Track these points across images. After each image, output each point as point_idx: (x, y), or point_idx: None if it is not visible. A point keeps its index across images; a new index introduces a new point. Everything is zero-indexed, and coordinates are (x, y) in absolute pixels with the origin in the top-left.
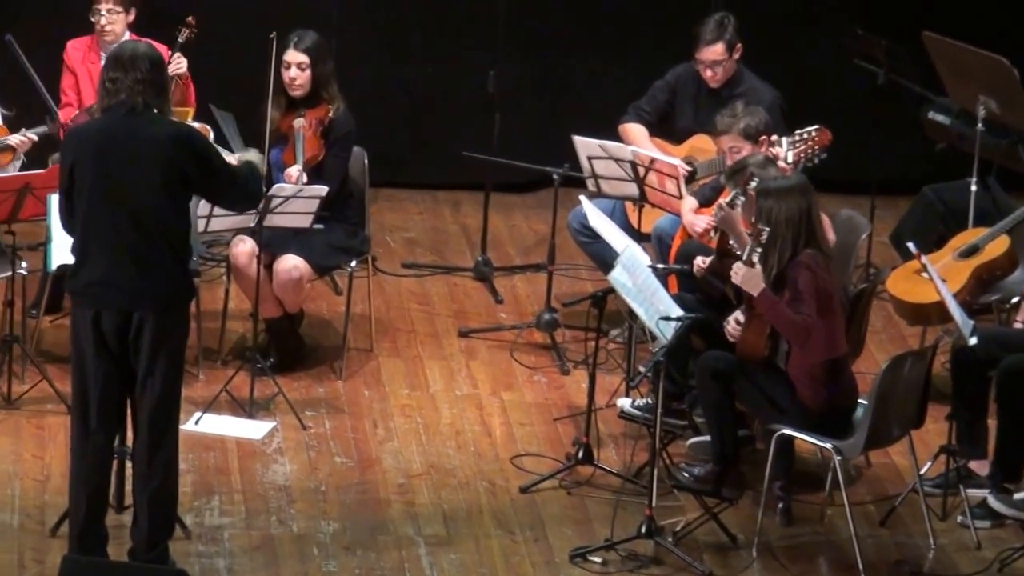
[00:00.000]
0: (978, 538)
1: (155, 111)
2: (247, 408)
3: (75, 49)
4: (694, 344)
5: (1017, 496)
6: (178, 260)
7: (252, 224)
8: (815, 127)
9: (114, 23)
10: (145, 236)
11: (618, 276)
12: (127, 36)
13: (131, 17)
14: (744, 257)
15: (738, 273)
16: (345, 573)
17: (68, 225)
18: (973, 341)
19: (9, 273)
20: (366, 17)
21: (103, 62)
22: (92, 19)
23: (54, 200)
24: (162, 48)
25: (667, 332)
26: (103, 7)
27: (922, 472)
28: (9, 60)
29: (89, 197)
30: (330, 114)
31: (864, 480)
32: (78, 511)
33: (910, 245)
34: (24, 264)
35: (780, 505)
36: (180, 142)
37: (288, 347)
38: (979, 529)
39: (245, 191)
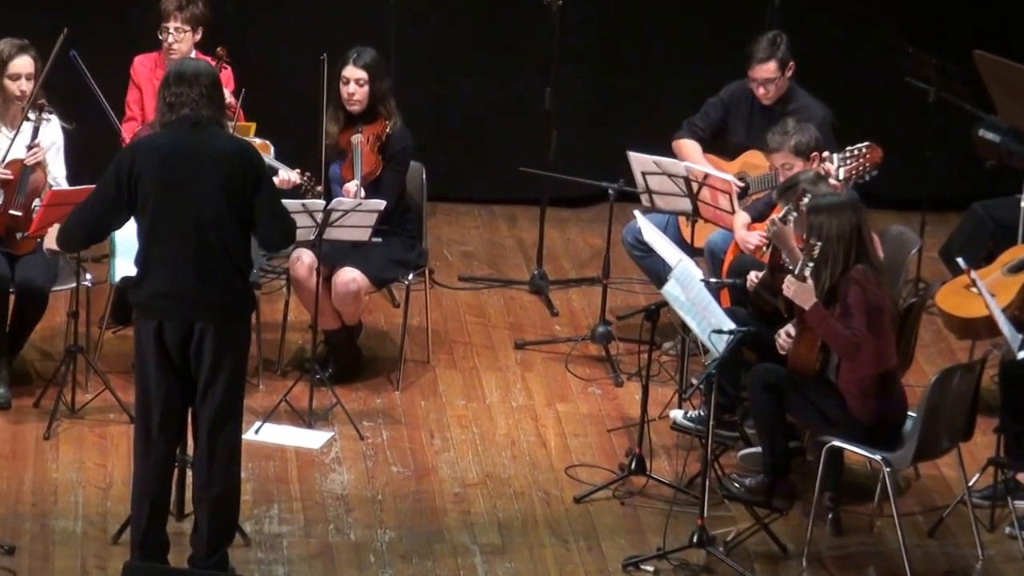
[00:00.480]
0: None
1: (219, 128)
2: (306, 418)
3: (142, 65)
4: (746, 357)
5: None
6: (239, 272)
7: (312, 237)
8: (866, 144)
9: (181, 42)
10: (208, 248)
11: (671, 290)
12: (193, 55)
13: (198, 36)
14: (796, 272)
15: (790, 287)
16: None
17: (85, 230)
18: (1022, 355)
19: (73, 284)
20: (424, 33)
21: None
22: (160, 37)
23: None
24: (227, 72)
25: (719, 345)
26: (171, 26)
27: (970, 484)
28: (73, 76)
29: (153, 210)
30: (387, 129)
31: (913, 491)
32: (140, 519)
33: (960, 260)
34: (88, 276)
35: (830, 516)
36: (244, 157)
37: (346, 358)
38: None
39: (281, 229)
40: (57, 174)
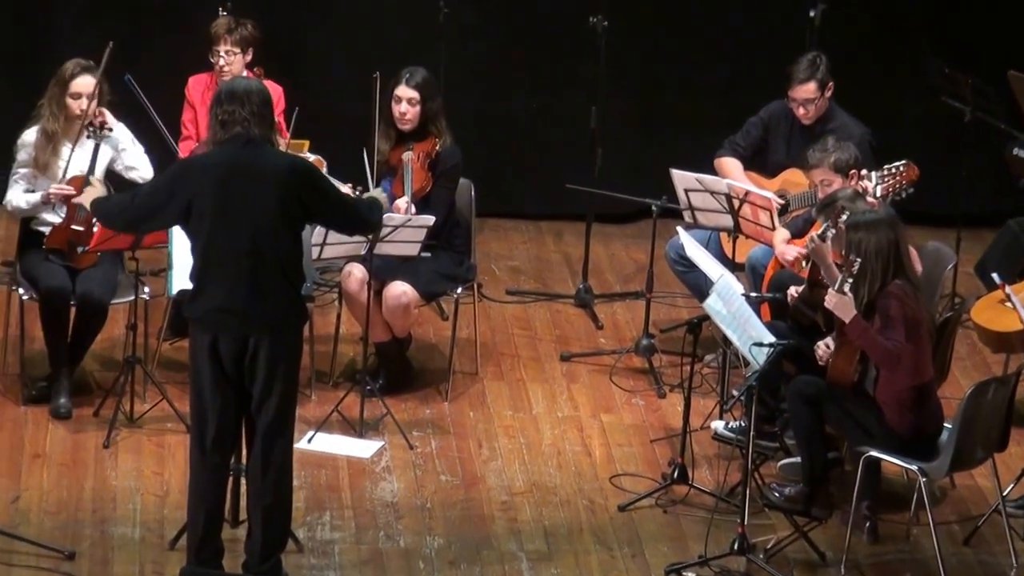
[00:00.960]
0: None
1: (270, 145)
2: (357, 428)
3: (196, 84)
4: (785, 369)
5: None
6: (292, 286)
7: (363, 252)
8: (903, 162)
9: (232, 64)
10: (261, 264)
11: (713, 304)
12: (244, 75)
13: (248, 57)
14: (836, 286)
15: (831, 300)
16: None
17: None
18: None
19: (132, 298)
20: (473, 54)
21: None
22: (212, 59)
23: (176, 229)
24: (277, 88)
25: (760, 358)
26: (222, 48)
27: (1005, 493)
28: (129, 99)
29: (209, 227)
30: (437, 147)
31: (948, 501)
32: (195, 526)
33: (994, 276)
34: (146, 289)
35: (867, 524)
36: (297, 173)
37: (396, 370)
38: None
39: (359, 217)
40: (140, 167)
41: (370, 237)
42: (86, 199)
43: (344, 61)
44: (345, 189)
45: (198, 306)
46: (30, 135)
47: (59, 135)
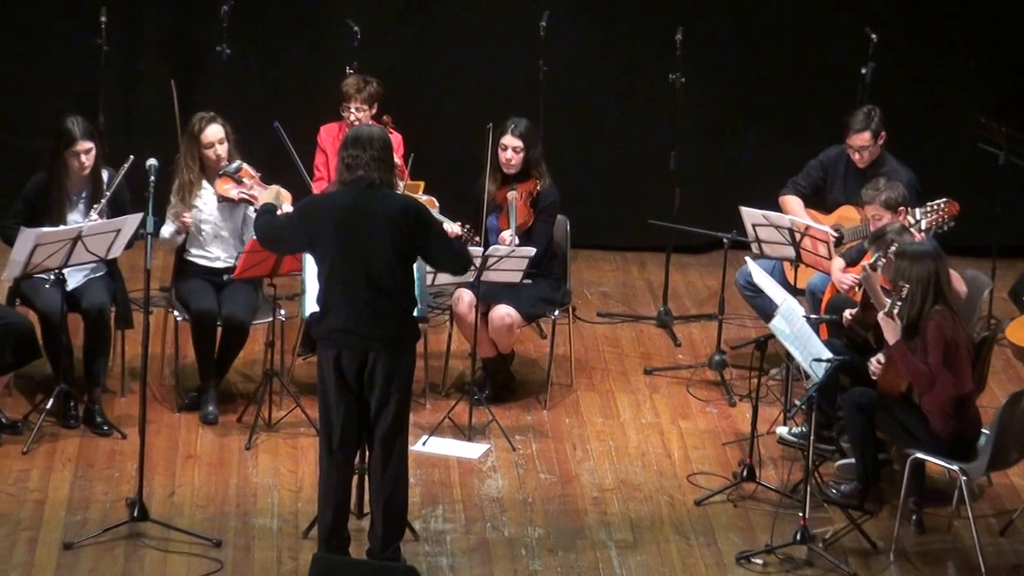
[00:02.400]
0: None
1: (387, 187)
2: (466, 432)
3: (327, 132)
4: (841, 382)
5: None
6: (404, 309)
7: (471, 279)
8: (944, 200)
9: (361, 118)
10: (378, 291)
11: (777, 324)
12: (369, 123)
13: (374, 111)
14: (886, 310)
15: (882, 323)
16: (549, 571)
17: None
18: None
19: (270, 319)
20: (569, 105)
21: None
22: (343, 114)
23: (308, 258)
24: (397, 136)
25: (819, 372)
26: (353, 105)
27: None
28: (272, 142)
29: (332, 258)
30: (538, 187)
31: (986, 497)
32: (325, 518)
33: None
34: (283, 311)
35: (914, 517)
36: (409, 215)
37: (501, 382)
38: None
39: (458, 258)
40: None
41: (477, 265)
42: (262, 195)
43: (456, 112)
44: (455, 226)
45: (324, 327)
46: (175, 191)
47: (195, 184)
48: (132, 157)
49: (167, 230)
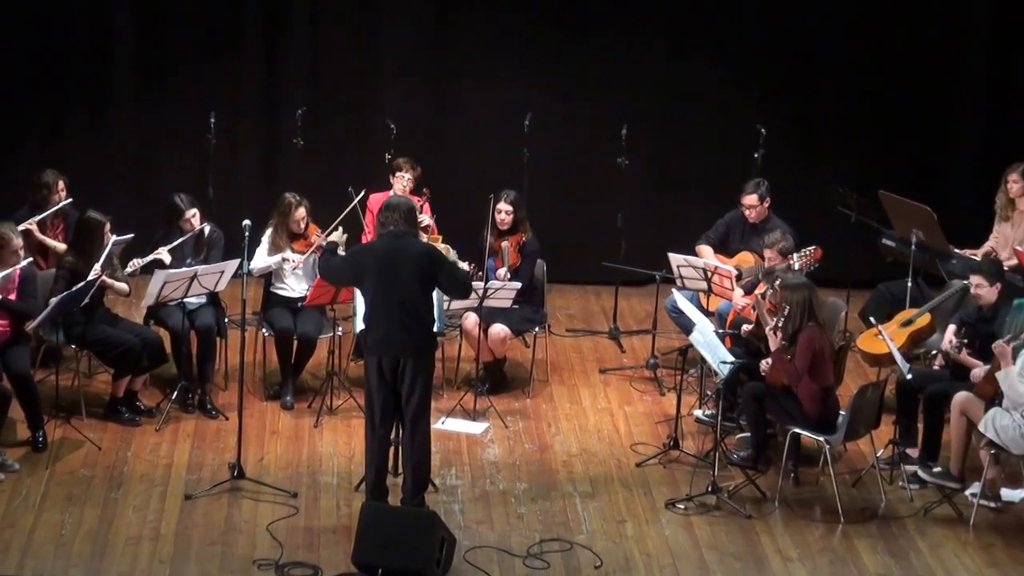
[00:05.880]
0: (911, 495)
1: (412, 237)
2: (472, 415)
3: (375, 200)
4: (741, 378)
5: (935, 470)
6: (426, 325)
7: (475, 305)
8: (812, 247)
9: (405, 186)
10: (406, 312)
11: (696, 336)
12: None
13: (412, 185)
14: (771, 326)
15: (768, 336)
16: (531, 515)
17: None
18: (909, 376)
19: (331, 334)
20: (545, 180)
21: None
22: (392, 181)
23: (357, 291)
24: (416, 199)
25: (725, 371)
26: (405, 174)
27: (878, 455)
28: (343, 204)
29: (373, 288)
30: (524, 239)
31: (843, 460)
32: (370, 476)
33: (871, 319)
34: (340, 329)
35: (792, 475)
36: (429, 258)
37: (497, 379)
38: (912, 490)
39: (465, 289)
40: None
41: (479, 294)
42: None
43: (466, 187)
44: (465, 266)
45: (369, 339)
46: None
47: (283, 245)
48: (248, 222)
49: (262, 262)
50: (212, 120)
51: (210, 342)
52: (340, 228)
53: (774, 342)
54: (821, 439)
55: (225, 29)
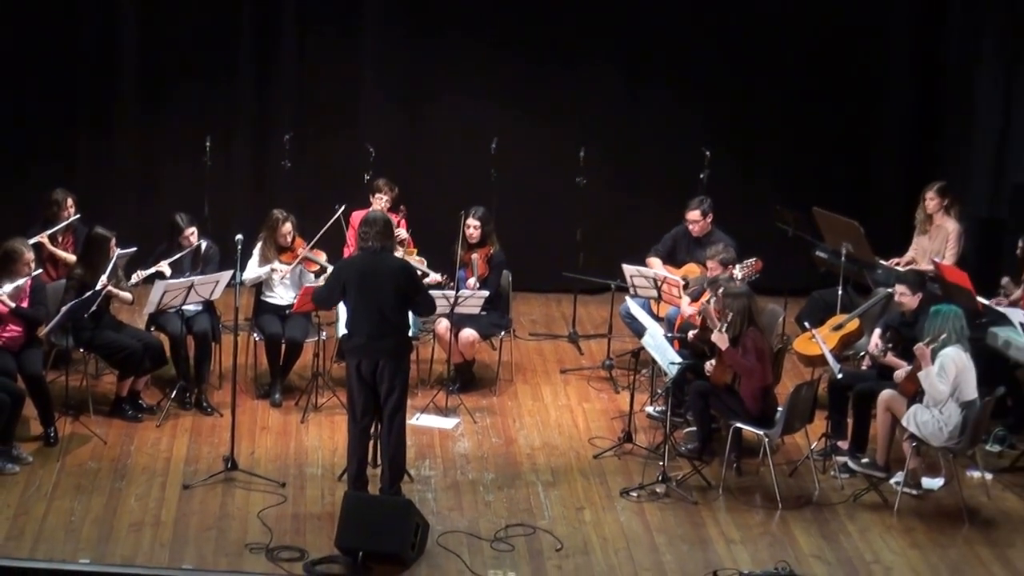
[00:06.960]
0: (842, 483)
1: (388, 252)
2: (444, 411)
3: (356, 216)
4: (688, 378)
5: (863, 460)
6: (402, 332)
7: (447, 312)
8: (753, 259)
9: (383, 204)
10: (384, 319)
11: (647, 340)
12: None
13: (391, 204)
14: (718, 329)
15: (715, 337)
16: (498, 502)
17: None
18: (839, 376)
19: (316, 338)
20: (510, 198)
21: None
22: (372, 200)
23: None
24: (394, 216)
25: (673, 371)
26: (383, 195)
27: (812, 447)
28: (327, 219)
29: (354, 299)
30: (491, 251)
31: (781, 452)
32: (351, 467)
33: (806, 324)
34: (323, 333)
35: (735, 465)
36: (403, 272)
37: (467, 378)
38: (842, 479)
39: (431, 311)
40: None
41: (451, 301)
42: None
43: (439, 202)
44: (438, 277)
45: (349, 343)
46: (260, 253)
47: (272, 256)
48: (240, 236)
49: (253, 273)
50: (208, 143)
51: (206, 346)
52: (324, 256)
53: (723, 342)
54: (761, 433)
55: (221, 60)
